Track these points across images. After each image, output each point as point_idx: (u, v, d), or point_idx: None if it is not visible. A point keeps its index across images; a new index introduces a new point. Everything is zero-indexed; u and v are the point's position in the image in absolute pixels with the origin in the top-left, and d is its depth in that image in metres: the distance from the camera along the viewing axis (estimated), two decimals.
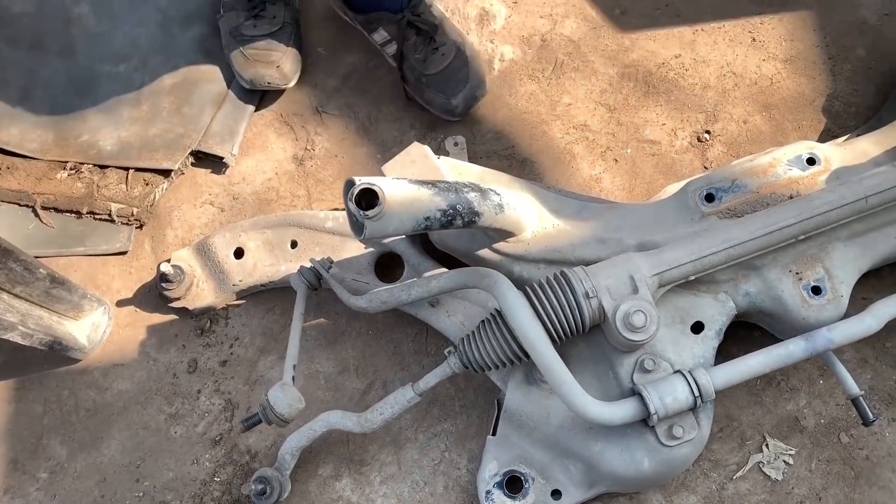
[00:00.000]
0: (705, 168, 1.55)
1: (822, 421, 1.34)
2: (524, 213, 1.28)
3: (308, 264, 1.36)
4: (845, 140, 1.45)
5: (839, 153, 1.34)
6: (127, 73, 1.71)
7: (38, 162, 1.65)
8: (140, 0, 1.77)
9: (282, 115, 1.70)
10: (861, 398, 1.16)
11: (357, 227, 1.06)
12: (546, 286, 1.17)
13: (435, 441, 1.39)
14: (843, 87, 1.60)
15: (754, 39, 1.66)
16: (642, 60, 1.66)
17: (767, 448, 1.33)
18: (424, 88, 1.58)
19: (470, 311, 1.35)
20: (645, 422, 1.16)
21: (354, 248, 1.44)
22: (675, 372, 1.16)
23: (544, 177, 1.58)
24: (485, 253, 1.31)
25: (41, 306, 1.38)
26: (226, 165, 1.64)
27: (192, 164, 1.65)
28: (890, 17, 1.65)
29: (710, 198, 1.30)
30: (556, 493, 1.24)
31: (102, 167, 1.63)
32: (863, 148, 1.36)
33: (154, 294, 1.53)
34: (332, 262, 1.36)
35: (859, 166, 1.31)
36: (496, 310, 1.19)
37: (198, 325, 1.52)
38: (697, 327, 1.25)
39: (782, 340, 1.21)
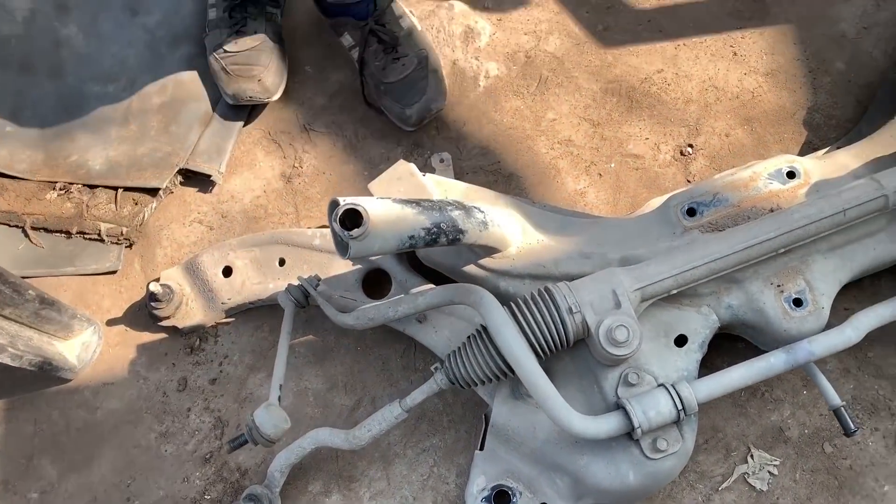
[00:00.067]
0: (688, 181, 1.57)
1: (806, 431, 1.36)
2: (509, 230, 1.30)
3: (296, 282, 1.38)
4: (825, 153, 1.48)
5: (819, 166, 1.36)
6: (115, 93, 1.72)
7: (27, 182, 1.67)
8: (128, 21, 1.79)
9: (270, 132, 1.71)
10: (843, 409, 1.18)
11: (342, 247, 1.07)
12: (530, 302, 1.18)
13: (424, 456, 1.40)
14: (823, 99, 1.62)
15: (735, 54, 1.68)
16: (625, 76, 1.68)
17: (752, 459, 1.34)
18: (382, 95, 1.62)
19: (457, 326, 1.36)
20: (630, 435, 1.17)
21: (342, 266, 1.45)
22: (659, 385, 1.17)
23: (530, 192, 1.60)
24: (471, 269, 1.33)
25: (31, 327, 1.39)
26: (214, 184, 1.65)
27: (181, 183, 1.66)
28: (868, 30, 1.67)
29: (691, 212, 1.31)
30: None
31: (92, 187, 1.64)
32: (842, 161, 1.38)
33: (144, 313, 1.54)
34: (319, 279, 1.38)
35: (838, 179, 1.34)
36: (481, 326, 1.20)
37: (187, 344, 1.53)
38: (681, 340, 1.26)
39: (766, 352, 1.23)
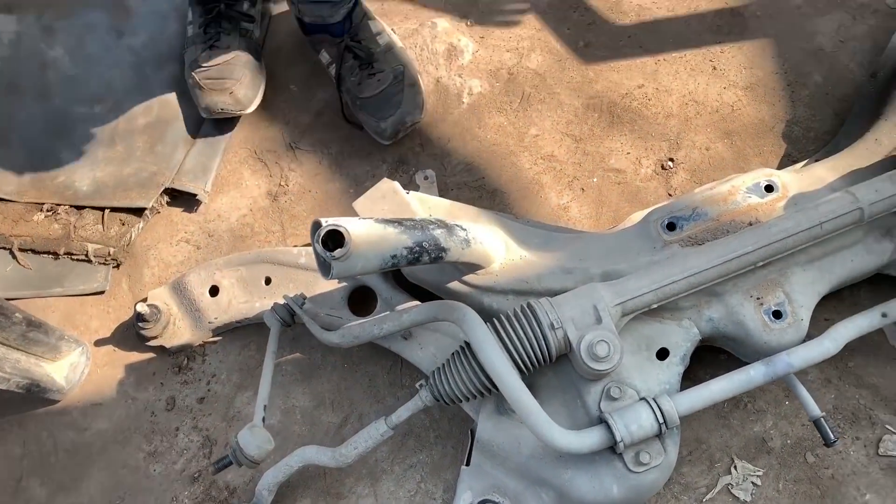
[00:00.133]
0: (670, 195, 1.59)
1: (789, 441, 1.37)
2: (491, 246, 1.31)
3: (282, 301, 1.39)
4: (803, 166, 1.50)
5: (796, 179, 1.38)
6: (102, 114, 1.74)
7: (14, 204, 1.68)
8: (114, 42, 1.80)
9: (256, 151, 1.72)
10: (822, 419, 1.19)
11: (324, 268, 1.09)
12: (513, 318, 1.20)
13: (411, 472, 1.41)
14: (801, 112, 1.65)
15: (715, 68, 1.70)
16: (606, 91, 1.70)
17: (736, 470, 1.36)
18: (359, 110, 1.65)
19: (442, 342, 1.37)
20: (613, 449, 1.18)
21: (328, 284, 1.46)
22: (641, 399, 1.18)
23: (514, 207, 1.62)
24: (455, 285, 1.34)
25: (18, 350, 1.40)
26: (200, 203, 1.66)
27: (168, 203, 1.67)
28: (845, 44, 1.70)
29: (671, 226, 1.33)
30: None
31: (79, 208, 1.66)
32: (819, 174, 1.40)
33: (132, 333, 1.54)
34: (305, 297, 1.39)
35: (816, 192, 1.35)
36: (465, 342, 1.21)
37: (175, 363, 1.54)
38: (662, 354, 1.27)
39: (747, 364, 1.24)
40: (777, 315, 1.28)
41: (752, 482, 1.34)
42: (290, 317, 1.37)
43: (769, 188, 1.34)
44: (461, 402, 1.23)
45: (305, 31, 1.70)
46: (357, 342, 1.31)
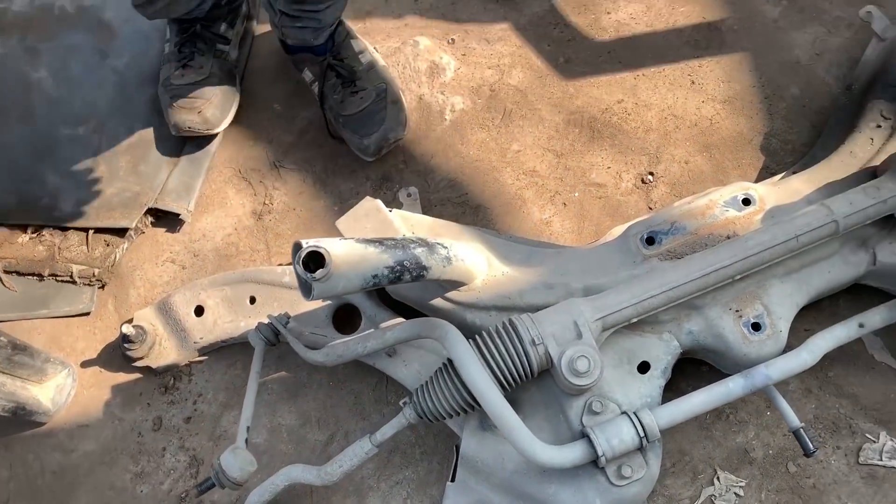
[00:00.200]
0: (650, 209, 1.61)
1: (770, 452, 1.39)
2: (473, 263, 1.33)
3: (266, 320, 1.40)
4: (781, 178, 1.52)
5: (773, 193, 1.40)
6: (86, 135, 1.74)
7: None
8: (98, 64, 1.81)
9: (240, 170, 1.73)
10: (802, 430, 1.21)
11: (306, 289, 1.09)
12: (494, 335, 1.21)
13: (397, 489, 1.41)
14: (779, 125, 1.67)
15: (693, 82, 1.73)
16: (587, 106, 1.72)
17: (719, 481, 1.37)
18: (342, 128, 1.67)
19: (426, 359, 1.38)
20: (596, 463, 1.19)
21: (312, 302, 1.47)
22: (622, 413, 1.20)
23: (497, 222, 1.63)
24: (438, 302, 1.35)
25: (3, 373, 1.40)
26: (183, 222, 1.67)
27: (153, 224, 1.68)
28: (821, 56, 1.73)
29: (650, 241, 1.35)
30: None
31: (63, 229, 1.66)
32: (795, 187, 1.42)
33: (118, 353, 1.55)
34: (289, 317, 1.39)
35: (792, 205, 1.37)
36: (448, 360, 1.22)
37: (162, 383, 1.54)
38: (644, 367, 1.29)
39: (728, 375, 1.26)
40: (756, 327, 1.29)
41: (735, 493, 1.36)
42: (274, 336, 1.38)
43: (746, 201, 1.36)
44: (445, 419, 1.24)
45: (288, 50, 1.72)
46: (341, 361, 1.32)
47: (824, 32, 1.75)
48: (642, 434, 1.16)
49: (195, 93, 1.66)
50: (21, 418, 1.45)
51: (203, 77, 1.67)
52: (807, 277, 1.34)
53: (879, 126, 1.46)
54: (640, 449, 1.19)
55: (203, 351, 1.53)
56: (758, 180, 1.60)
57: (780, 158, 1.64)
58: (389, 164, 1.70)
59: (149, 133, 1.73)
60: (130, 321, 1.52)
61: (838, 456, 1.37)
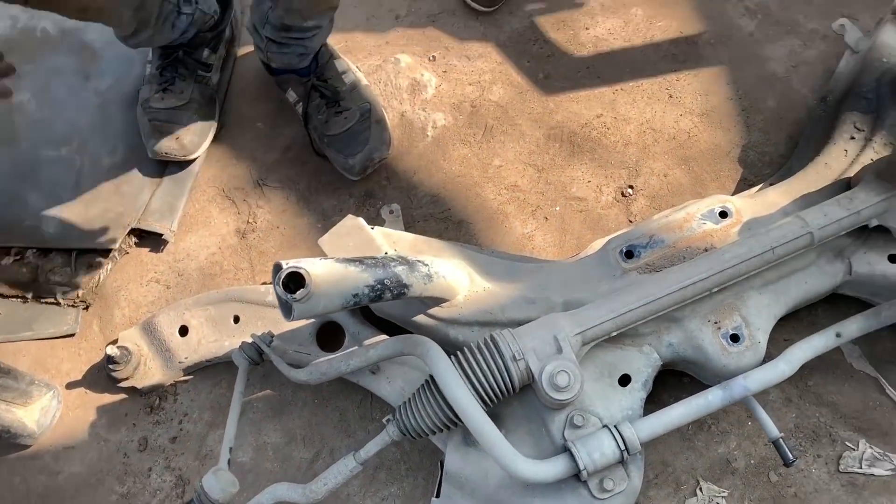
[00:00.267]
0: (630, 221, 1.62)
1: (752, 461, 1.40)
2: (455, 279, 1.34)
3: (250, 339, 1.40)
4: (758, 190, 1.54)
5: (750, 205, 1.41)
6: (68, 157, 1.75)
7: None
8: (80, 86, 1.82)
9: (224, 189, 1.74)
10: (781, 440, 1.22)
11: (286, 309, 1.10)
12: (475, 351, 1.22)
13: None
14: (756, 137, 1.69)
15: (671, 96, 1.75)
16: (566, 121, 1.74)
17: (701, 492, 1.38)
18: (326, 147, 1.68)
19: (410, 375, 1.39)
20: (578, 476, 1.20)
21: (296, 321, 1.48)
22: (603, 427, 1.21)
23: (479, 237, 1.64)
24: (420, 319, 1.36)
25: None
26: (167, 242, 1.68)
27: (136, 244, 1.68)
28: (796, 69, 1.75)
29: (629, 254, 1.36)
30: None
31: (46, 251, 1.66)
32: (772, 199, 1.44)
33: (104, 374, 1.55)
34: (272, 335, 1.40)
35: (769, 217, 1.39)
36: (430, 376, 1.23)
37: (147, 403, 1.55)
38: (625, 380, 1.30)
39: (709, 386, 1.27)
40: (735, 338, 1.31)
41: (718, 503, 1.37)
42: (258, 355, 1.38)
43: (723, 214, 1.38)
44: (427, 435, 1.25)
45: (272, 72, 1.73)
46: (325, 379, 1.32)
47: (800, 45, 1.78)
48: (623, 447, 1.17)
49: (174, 118, 1.67)
50: (6, 441, 1.45)
51: (183, 103, 1.68)
52: (784, 288, 1.36)
53: (853, 137, 1.48)
54: (622, 462, 1.20)
55: (188, 370, 1.53)
56: (736, 192, 1.62)
57: (757, 170, 1.66)
58: (373, 181, 1.71)
59: (131, 154, 1.74)
60: (115, 342, 1.52)
61: (819, 464, 1.39)
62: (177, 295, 1.63)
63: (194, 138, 1.69)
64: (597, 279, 1.36)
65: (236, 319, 1.50)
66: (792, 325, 1.46)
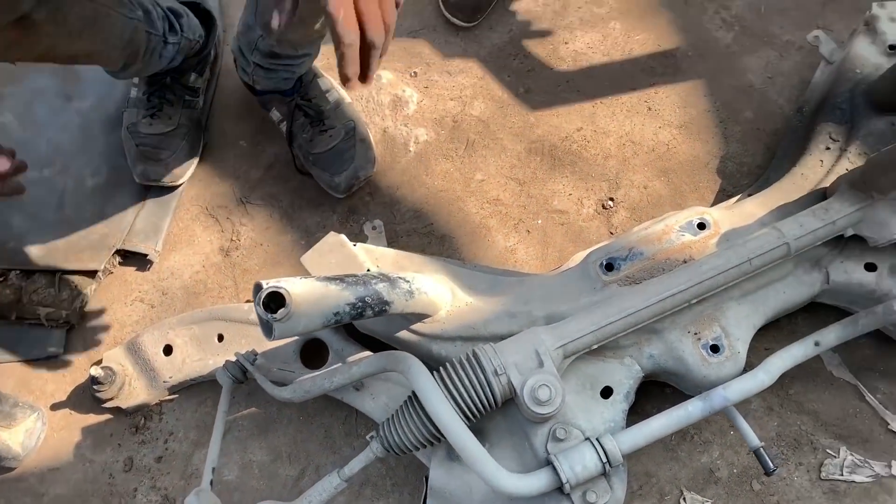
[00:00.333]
0: (611, 233, 1.64)
1: (735, 471, 1.41)
2: (437, 294, 1.35)
3: (233, 358, 1.41)
4: (736, 201, 1.55)
5: (728, 216, 1.43)
6: (51, 178, 1.75)
7: None
8: (63, 106, 1.82)
9: (207, 207, 1.75)
10: (762, 449, 1.23)
11: (267, 329, 1.11)
12: (457, 366, 1.23)
13: None
14: (734, 148, 1.71)
15: (650, 108, 1.77)
16: (547, 135, 1.75)
17: (685, 501, 1.39)
18: (311, 165, 1.69)
19: (394, 391, 1.40)
20: (561, 489, 1.21)
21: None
22: (585, 440, 1.22)
23: (462, 251, 1.65)
24: (404, 334, 1.37)
25: None
26: (151, 262, 1.68)
27: (120, 263, 1.69)
28: (773, 80, 1.77)
29: (609, 267, 1.37)
30: None
31: (30, 272, 1.66)
32: (749, 210, 1.45)
33: (89, 395, 1.55)
34: (256, 354, 1.41)
35: (746, 228, 1.41)
36: (413, 392, 1.24)
37: (132, 423, 1.55)
38: (606, 392, 1.31)
39: (691, 397, 1.28)
40: (715, 349, 1.32)
41: None
42: (242, 374, 1.39)
43: (702, 226, 1.40)
44: (412, 451, 1.26)
45: (255, 93, 1.74)
46: (309, 396, 1.33)
47: (776, 56, 1.80)
48: (605, 460, 1.18)
49: (163, 144, 1.68)
50: None
51: (172, 128, 1.69)
52: (763, 299, 1.38)
53: (828, 148, 1.50)
54: (605, 474, 1.21)
55: (173, 390, 1.53)
56: (714, 203, 1.64)
57: (736, 181, 1.68)
58: (356, 197, 1.72)
59: (115, 175, 1.74)
60: (99, 362, 1.52)
61: (801, 472, 1.40)
62: (161, 314, 1.64)
63: (183, 165, 1.70)
64: (578, 292, 1.38)
65: (220, 338, 1.50)
66: (772, 334, 1.48)
